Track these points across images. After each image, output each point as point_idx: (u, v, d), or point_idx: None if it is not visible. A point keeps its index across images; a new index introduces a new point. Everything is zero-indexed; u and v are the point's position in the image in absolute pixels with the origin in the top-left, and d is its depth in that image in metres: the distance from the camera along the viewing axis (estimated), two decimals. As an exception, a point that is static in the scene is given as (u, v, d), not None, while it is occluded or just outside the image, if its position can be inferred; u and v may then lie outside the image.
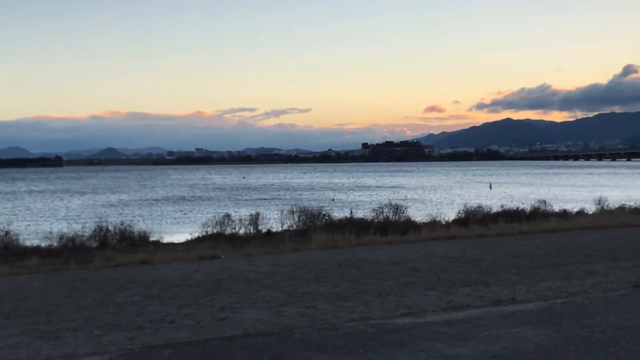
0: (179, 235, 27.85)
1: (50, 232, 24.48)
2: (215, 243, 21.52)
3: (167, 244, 23.84)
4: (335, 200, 56.71)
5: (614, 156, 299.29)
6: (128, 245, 22.10)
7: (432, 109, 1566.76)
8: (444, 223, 26.45)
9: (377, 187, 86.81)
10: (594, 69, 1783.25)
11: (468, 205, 30.55)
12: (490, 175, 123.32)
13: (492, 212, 28.92)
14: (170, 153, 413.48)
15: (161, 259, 17.17)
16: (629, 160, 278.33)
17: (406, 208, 29.65)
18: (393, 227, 24.24)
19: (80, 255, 19.12)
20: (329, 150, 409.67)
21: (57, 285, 13.42)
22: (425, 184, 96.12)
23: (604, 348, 6.97)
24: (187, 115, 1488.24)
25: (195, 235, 25.28)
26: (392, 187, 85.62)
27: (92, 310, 10.59)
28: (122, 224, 25.12)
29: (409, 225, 25.00)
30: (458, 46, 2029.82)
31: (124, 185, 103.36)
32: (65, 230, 24.04)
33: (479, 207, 29.92)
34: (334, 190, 79.91)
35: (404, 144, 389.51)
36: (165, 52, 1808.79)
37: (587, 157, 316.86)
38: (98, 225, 24.00)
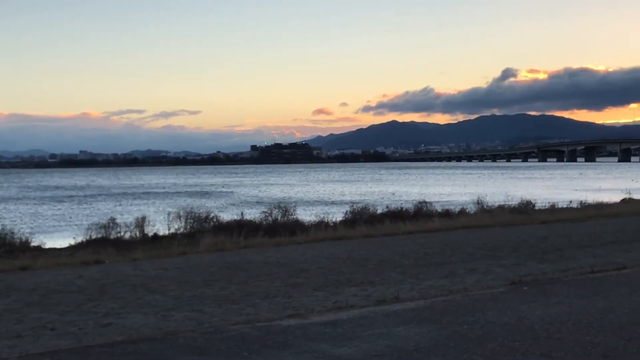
0: (61, 240, 27.06)
1: None
2: (100, 248, 21.01)
3: (49, 249, 23.11)
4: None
5: (494, 157, 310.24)
6: (7, 251, 21.25)
7: (320, 111, 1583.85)
8: (331, 224, 26.71)
9: (265, 184, 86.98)
10: (474, 73, 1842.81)
11: (355, 207, 30.98)
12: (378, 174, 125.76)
13: (378, 212, 29.44)
14: (53, 156, 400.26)
15: (43, 265, 16.63)
16: (508, 160, 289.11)
17: (295, 209, 29.79)
18: (282, 228, 24.31)
19: (-45, 262, 18.31)
20: (217, 152, 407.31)
21: None
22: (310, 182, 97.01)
23: (482, 344, 7.21)
24: (72, 116, 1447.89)
25: (79, 240, 24.62)
26: (280, 184, 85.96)
27: (-32, 319, 10.17)
28: (1, 229, 24.19)
29: (298, 227, 25.11)
30: (344, 49, 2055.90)
31: (4, 188, 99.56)
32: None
33: (366, 207, 30.41)
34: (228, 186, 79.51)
35: (292, 145, 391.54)
36: (50, 51, 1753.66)
37: (469, 158, 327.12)
38: (-25, 231, 23.04)
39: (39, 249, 22.86)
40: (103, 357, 7.09)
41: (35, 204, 63.09)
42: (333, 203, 53.57)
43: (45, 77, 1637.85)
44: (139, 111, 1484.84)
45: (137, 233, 25.39)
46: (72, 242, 24.69)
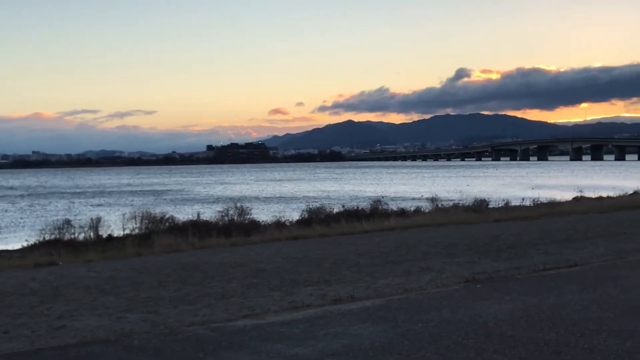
0: (14, 242, 26.69)
1: None
2: (53, 249, 20.72)
3: (1, 251, 22.78)
4: None
5: (449, 156, 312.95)
6: (-43, 254, 20.93)
7: (276, 111, 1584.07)
8: (287, 224, 26.72)
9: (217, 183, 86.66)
10: (428, 73, 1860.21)
11: (311, 206, 31.05)
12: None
13: (334, 212, 29.52)
14: (5, 156, 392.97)
15: (-6, 267, 16.36)
16: (462, 160, 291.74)
17: (250, 209, 29.76)
18: (237, 228, 24.25)
19: None
20: (173, 152, 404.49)
21: None
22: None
23: (436, 342, 7.27)
24: (25, 117, 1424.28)
25: (32, 241, 24.27)
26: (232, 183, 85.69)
27: None
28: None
29: (253, 227, 25.09)
30: (299, 49, 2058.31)
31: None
32: None
33: (322, 207, 30.48)
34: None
35: (249, 145, 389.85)
36: (0, 50, 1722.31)
37: (424, 158, 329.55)
38: None
39: (-11, 251, 22.50)
40: (55, 359, 7.01)
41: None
42: (289, 202, 53.51)
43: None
44: (93, 111, 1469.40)
45: (92, 234, 25.11)
46: (25, 243, 24.33)
